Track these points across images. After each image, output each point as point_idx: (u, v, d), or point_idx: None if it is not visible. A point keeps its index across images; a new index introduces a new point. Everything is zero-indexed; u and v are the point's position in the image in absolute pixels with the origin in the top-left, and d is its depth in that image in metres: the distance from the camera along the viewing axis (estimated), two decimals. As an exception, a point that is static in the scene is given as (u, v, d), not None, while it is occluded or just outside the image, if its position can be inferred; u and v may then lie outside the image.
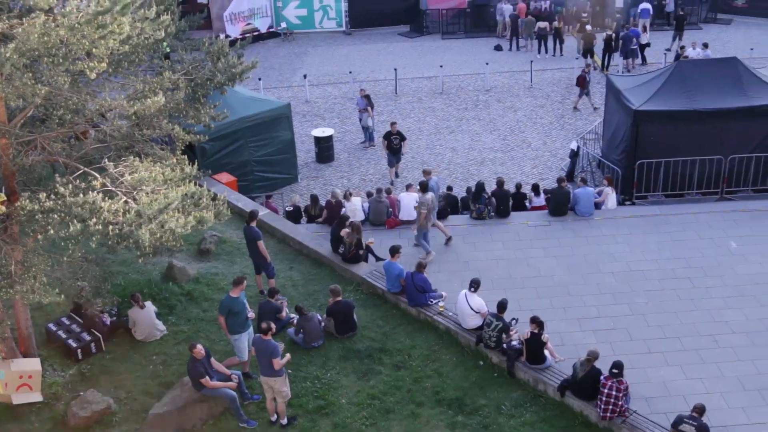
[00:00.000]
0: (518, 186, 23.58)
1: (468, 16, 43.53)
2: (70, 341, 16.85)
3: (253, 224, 18.54)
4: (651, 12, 39.98)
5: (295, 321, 17.38)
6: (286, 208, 23.45)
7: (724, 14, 43.26)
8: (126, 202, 12.62)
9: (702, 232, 21.42)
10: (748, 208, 22.65)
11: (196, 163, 15.51)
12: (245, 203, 22.77)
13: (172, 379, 16.22)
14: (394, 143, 26.15)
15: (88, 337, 16.94)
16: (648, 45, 36.88)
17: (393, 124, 26.61)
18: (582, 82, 31.65)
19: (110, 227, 12.26)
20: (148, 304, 17.47)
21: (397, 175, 26.77)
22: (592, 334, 17.55)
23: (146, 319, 17.25)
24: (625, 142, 24.20)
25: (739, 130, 23.42)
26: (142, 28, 13.95)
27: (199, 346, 15.02)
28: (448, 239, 21.20)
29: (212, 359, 15.42)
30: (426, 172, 22.41)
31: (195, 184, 14.07)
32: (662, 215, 22.41)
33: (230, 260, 20.55)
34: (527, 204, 23.35)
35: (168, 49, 18.68)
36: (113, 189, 12.95)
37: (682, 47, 35.18)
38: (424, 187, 20.58)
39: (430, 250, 20.61)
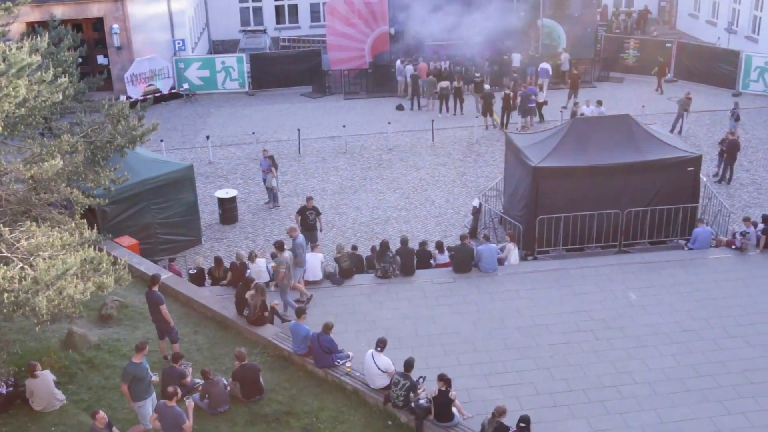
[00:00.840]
0: (423, 244, 23.76)
1: (369, 77, 44.07)
2: (-37, 415, 16.19)
3: (156, 288, 18.20)
4: (550, 72, 41.22)
5: (200, 386, 17.05)
6: (190, 271, 23.12)
7: (616, 73, 44.82)
8: (22, 268, 12.31)
9: (602, 285, 21.90)
10: (645, 260, 23.28)
11: (96, 227, 15.24)
12: (147, 267, 22.36)
13: (72, 450, 15.70)
14: (309, 218, 25.16)
15: (-18, 410, 16.29)
16: (545, 103, 37.90)
17: (309, 199, 25.59)
18: None
19: (5, 295, 11.93)
20: (46, 372, 16.90)
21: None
22: (499, 390, 17.67)
23: (44, 388, 16.68)
24: (525, 198, 24.69)
25: (634, 185, 24.18)
26: (39, 90, 13.76)
27: (102, 413, 14.61)
28: (308, 299, 21.10)
29: (114, 429, 14.99)
30: (291, 230, 22.14)
31: (95, 248, 13.83)
32: (563, 269, 22.84)
33: (133, 325, 20.09)
34: (432, 261, 23.50)
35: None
36: (9, 255, 12.63)
37: (576, 103, 36.23)
38: (280, 246, 20.53)
39: (296, 306, 20.65)
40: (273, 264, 21.08)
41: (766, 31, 43.97)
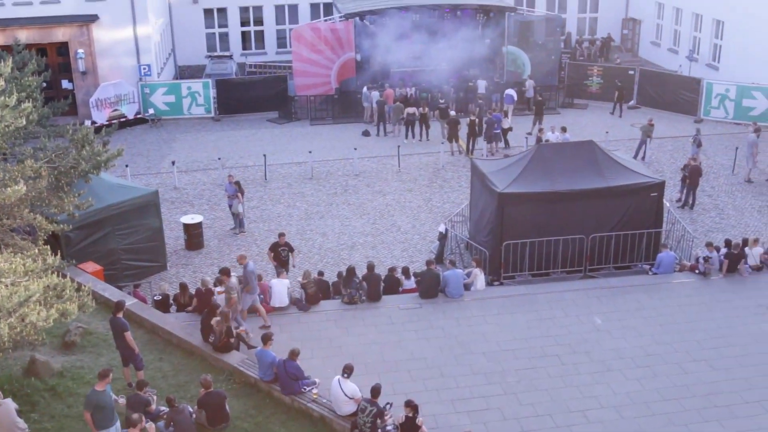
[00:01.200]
0: (392, 269, 23.74)
1: (336, 103, 44.20)
2: None
3: (120, 315, 18.01)
4: (515, 98, 41.58)
5: (165, 414, 16.87)
6: (155, 297, 22.94)
7: (580, 99, 45.29)
8: (-16, 295, 12.14)
9: (568, 310, 22.01)
10: (610, 285, 23.44)
11: (60, 253, 15.11)
12: (112, 293, 22.13)
13: (33, 480, 15.44)
14: (282, 255, 24.76)
15: (-59, 440, 16.00)
16: (510, 129, 38.16)
17: (281, 235, 25.21)
18: None
19: (-34, 322, 11.76)
20: (8, 401, 16.63)
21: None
22: (467, 416, 17.65)
23: (5, 417, 16.36)
24: (491, 224, 24.79)
25: (599, 210, 24.37)
26: (2, 115, 13.66)
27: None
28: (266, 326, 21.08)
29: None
30: (240, 257, 22.03)
31: (58, 274, 13.69)
32: (529, 294, 22.94)
33: (97, 353, 19.86)
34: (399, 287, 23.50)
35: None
36: (-30, 282, 12.46)
37: (541, 130, 36.54)
38: (226, 273, 20.53)
39: (246, 328, 20.77)
40: (219, 290, 21.02)
41: (727, 59, 44.73)
